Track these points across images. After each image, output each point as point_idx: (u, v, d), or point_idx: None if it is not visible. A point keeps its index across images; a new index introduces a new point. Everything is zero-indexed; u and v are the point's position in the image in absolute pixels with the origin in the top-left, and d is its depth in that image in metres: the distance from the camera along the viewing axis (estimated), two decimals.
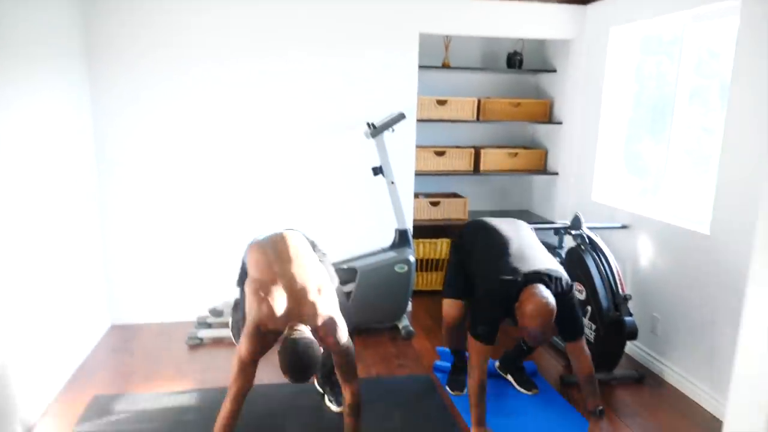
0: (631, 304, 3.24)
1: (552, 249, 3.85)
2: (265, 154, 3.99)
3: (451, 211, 4.68)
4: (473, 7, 4.10)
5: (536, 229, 4.12)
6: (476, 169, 4.72)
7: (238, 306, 2.70)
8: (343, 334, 2.37)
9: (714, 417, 2.97)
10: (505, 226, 2.94)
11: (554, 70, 4.71)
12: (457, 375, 3.18)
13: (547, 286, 2.55)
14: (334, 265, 3.86)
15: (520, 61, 4.77)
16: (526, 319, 2.47)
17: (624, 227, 3.71)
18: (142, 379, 3.24)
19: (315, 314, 2.29)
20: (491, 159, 4.72)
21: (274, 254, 2.43)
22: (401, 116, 3.72)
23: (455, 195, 4.90)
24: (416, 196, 4.57)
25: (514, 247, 2.74)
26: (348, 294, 3.74)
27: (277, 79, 3.90)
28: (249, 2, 3.78)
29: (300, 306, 2.29)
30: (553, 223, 4.29)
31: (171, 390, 3.10)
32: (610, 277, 3.25)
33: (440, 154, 4.63)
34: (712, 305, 3.03)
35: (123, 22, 3.65)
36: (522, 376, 3.24)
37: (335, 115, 4.02)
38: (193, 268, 4.04)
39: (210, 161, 3.94)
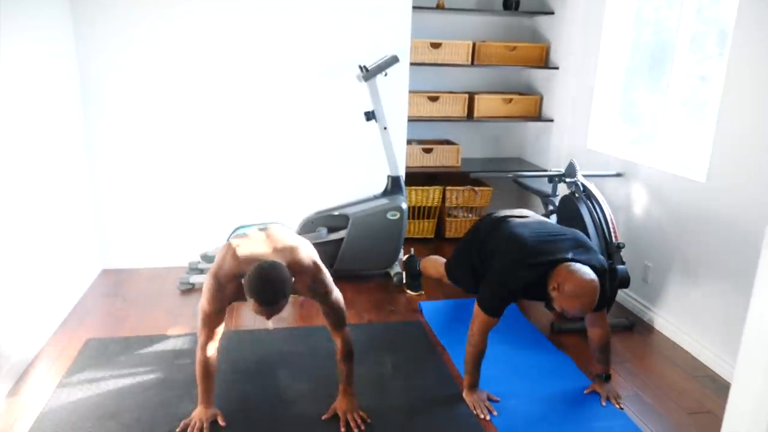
0: (623, 253, 3.25)
1: (546, 197, 3.85)
2: (256, 97, 3.90)
3: (443, 158, 4.63)
4: None
5: (530, 177, 4.14)
6: (470, 115, 4.65)
7: None
8: (330, 282, 2.34)
9: (703, 365, 3.02)
10: (524, 217, 2.86)
11: (552, 12, 4.59)
12: (414, 279, 3.68)
13: None
14: (326, 211, 3.87)
15: (517, 2, 4.64)
16: (567, 300, 2.31)
17: (618, 175, 3.69)
18: (134, 323, 3.25)
19: (292, 255, 2.22)
20: (485, 105, 4.64)
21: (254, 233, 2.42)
22: (394, 59, 3.62)
23: (448, 142, 4.85)
24: (409, 142, 4.51)
25: (537, 231, 2.62)
26: (340, 241, 3.74)
27: (267, 21, 3.77)
28: None
29: (275, 252, 2.21)
30: (547, 170, 4.27)
31: (163, 334, 3.10)
32: (604, 226, 3.24)
33: (434, 99, 4.55)
34: (705, 253, 3.05)
35: None
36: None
37: (326, 58, 3.91)
38: (185, 212, 4.00)
39: (201, 104, 3.84)
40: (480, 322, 2.53)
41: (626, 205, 3.65)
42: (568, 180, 3.51)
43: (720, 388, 2.79)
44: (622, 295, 3.65)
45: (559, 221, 3.51)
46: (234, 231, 2.88)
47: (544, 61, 4.68)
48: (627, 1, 3.83)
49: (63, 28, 3.43)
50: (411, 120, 4.31)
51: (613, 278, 3.14)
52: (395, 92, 4.00)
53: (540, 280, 2.43)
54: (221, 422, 2.35)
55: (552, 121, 4.64)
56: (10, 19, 2.75)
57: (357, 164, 4.11)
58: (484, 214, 3.09)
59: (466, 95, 4.63)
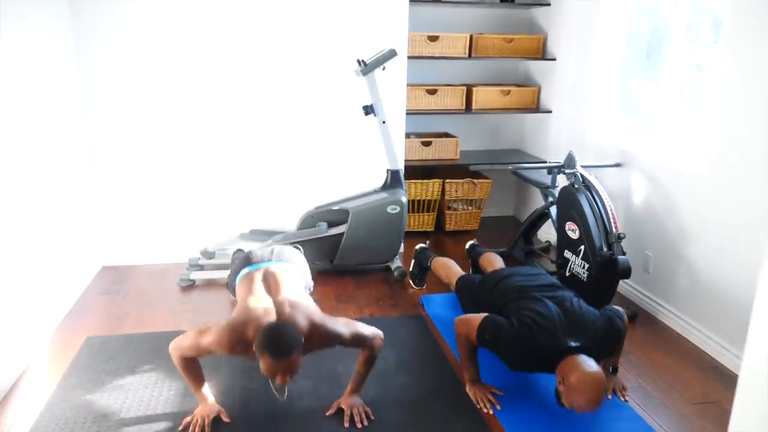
0: (624, 243, 3.24)
1: (545, 188, 3.84)
2: (255, 92, 3.87)
3: (442, 151, 4.62)
4: None
5: (529, 168, 4.13)
6: (468, 107, 4.63)
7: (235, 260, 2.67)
8: (334, 325, 2.28)
9: (706, 354, 3.02)
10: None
11: (548, 4, 4.57)
12: (421, 273, 3.66)
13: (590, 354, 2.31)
14: (326, 206, 3.85)
15: None
16: (572, 395, 2.20)
17: (618, 165, 3.68)
18: (135, 320, 3.23)
19: (298, 318, 2.22)
20: (483, 97, 4.62)
21: (262, 282, 2.45)
22: (392, 53, 3.60)
23: (446, 135, 4.83)
24: (407, 136, 4.49)
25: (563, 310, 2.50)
26: (340, 235, 3.72)
27: (265, 16, 3.74)
28: None
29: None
30: (545, 162, 4.26)
31: (164, 331, 3.09)
32: (604, 216, 3.23)
33: (432, 92, 4.53)
34: (706, 243, 3.04)
35: None
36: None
37: (324, 53, 3.89)
38: (185, 208, 3.98)
39: (199, 100, 3.82)
40: (468, 332, 2.51)
41: (626, 195, 3.64)
42: (567, 171, 3.50)
43: (724, 378, 2.79)
44: (623, 285, 3.64)
45: (558, 212, 3.50)
46: (240, 265, 2.77)
47: (541, 52, 4.66)
48: None
49: (62, 24, 3.40)
50: (409, 113, 4.30)
51: (613, 269, 3.14)
52: (393, 86, 3.98)
53: (547, 364, 2.36)
54: (224, 419, 2.34)
55: (550, 112, 4.63)
56: (8, 15, 2.72)
57: (356, 158, 4.10)
58: (500, 275, 2.91)
59: (464, 88, 4.61)
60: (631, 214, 3.60)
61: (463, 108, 4.62)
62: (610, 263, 3.13)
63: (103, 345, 2.94)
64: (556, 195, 3.63)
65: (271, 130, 3.96)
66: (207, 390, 2.39)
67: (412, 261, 3.71)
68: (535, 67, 4.85)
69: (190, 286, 3.68)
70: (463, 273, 3.30)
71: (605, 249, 3.16)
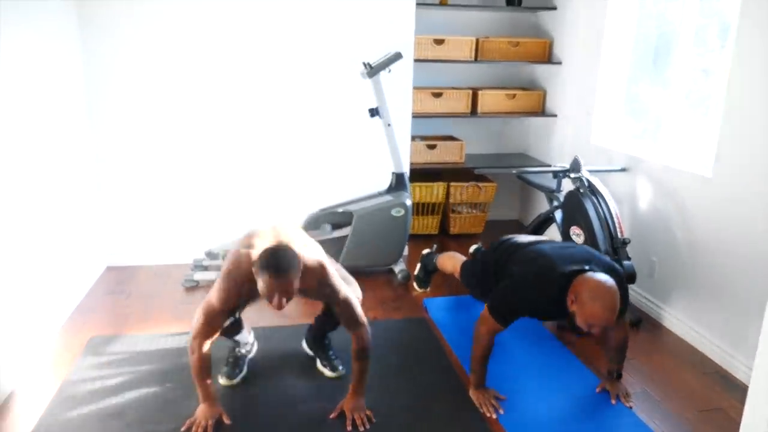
0: (629, 248, 3.23)
1: (550, 192, 3.83)
2: (260, 94, 3.88)
3: (447, 154, 4.61)
4: None
5: (535, 173, 4.12)
6: (473, 110, 4.63)
7: None
8: (338, 283, 2.35)
9: (711, 360, 3.00)
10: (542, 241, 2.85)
11: (554, 8, 4.56)
12: (426, 275, 3.62)
13: None
14: (330, 208, 3.85)
15: None
16: (588, 309, 2.20)
17: (623, 170, 3.67)
18: (139, 321, 3.23)
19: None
20: (489, 101, 4.62)
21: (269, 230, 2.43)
22: (398, 56, 3.60)
23: (451, 138, 4.82)
24: (412, 138, 4.48)
25: (555, 247, 2.62)
26: (344, 238, 3.72)
27: (270, 18, 3.75)
28: None
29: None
30: (551, 166, 4.25)
31: (168, 332, 3.09)
32: (609, 221, 3.22)
33: (437, 95, 4.53)
34: (712, 249, 3.03)
35: None
36: (326, 354, 2.77)
37: (330, 55, 3.89)
38: (189, 209, 3.98)
39: (205, 101, 3.83)
40: (489, 328, 2.49)
41: (632, 200, 3.63)
42: (572, 175, 3.49)
43: (729, 385, 2.77)
44: (629, 290, 3.62)
45: (563, 216, 3.50)
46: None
47: (547, 56, 4.65)
48: None
49: (68, 26, 3.41)
50: (415, 116, 4.29)
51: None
52: (399, 88, 3.98)
53: (559, 295, 2.37)
54: (226, 420, 2.34)
55: (555, 116, 4.62)
56: (15, 16, 2.73)
57: (361, 161, 4.09)
58: (503, 238, 2.95)
59: (470, 91, 4.61)
60: (637, 219, 3.59)
61: (469, 111, 4.62)
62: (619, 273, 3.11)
63: (107, 345, 2.94)
64: (561, 199, 3.62)
65: (276, 132, 3.97)
66: (213, 392, 2.39)
67: (418, 265, 3.70)
68: (541, 70, 4.84)
69: (194, 286, 3.68)
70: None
71: (611, 254, 3.14)
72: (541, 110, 4.77)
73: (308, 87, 3.92)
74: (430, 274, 3.63)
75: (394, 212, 3.76)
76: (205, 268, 3.85)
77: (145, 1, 3.60)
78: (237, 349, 2.72)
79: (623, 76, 3.96)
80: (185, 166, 3.91)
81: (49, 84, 3.16)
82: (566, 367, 2.88)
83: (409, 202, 3.80)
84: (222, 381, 2.62)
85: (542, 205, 4.41)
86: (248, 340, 2.79)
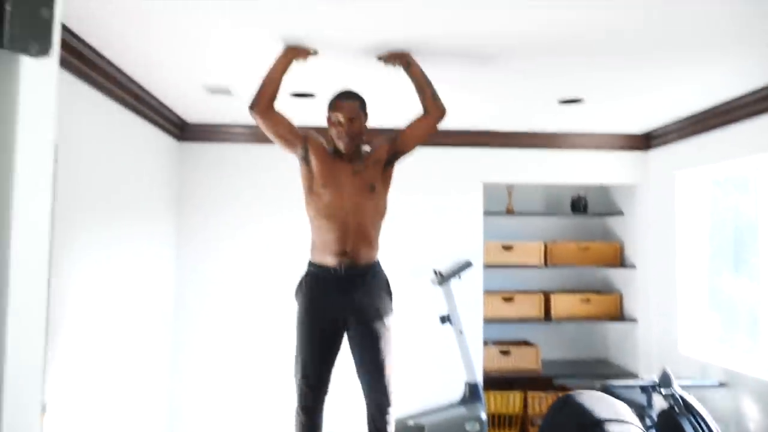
0: None
1: (641, 408, 3.50)
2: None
3: (522, 360, 4.40)
4: (535, 157, 4.13)
5: (621, 387, 3.82)
6: (547, 315, 4.50)
7: None
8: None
9: None
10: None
11: (621, 213, 4.59)
12: None
13: None
14: (400, 420, 3.63)
15: (585, 205, 4.69)
16: None
17: (722, 385, 3.36)
18: None
19: None
20: (562, 305, 4.50)
21: None
22: (468, 264, 3.61)
23: (526, 343, 4.64)
24: (485, 343, 4.34)
25: None
26: None
27: None
28: None
29: None
30: (636, 375, 3.96)
31: None
32: None
33: (508, 299, 4.45)
34: None
35: (210, 174, 3.89)
36: None
37: (401, 263, 3.95)
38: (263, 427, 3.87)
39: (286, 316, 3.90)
40: None
41: (737, 420, 3.26)
42: (663, 391, 3.20)
43: None
44: None
45: None
46: None
47: (619, 259, 4.59)
48: (697, 197, 3.79)
49: (167, 236, 3.69)
50: (486, 321, 4.19)
51: None
52: (470, 293, 3.95)
53: None
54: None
55: (635, 321, 4.41)
56: (133, 229, 2.99)
57: (432, 369, 3.96)
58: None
59: (542, 294, 4.52)
60: None
61: (542, 316, 4.49)
62: None
63: None
64: (654, 418, 3.30)
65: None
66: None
67: None
68: (614, 274, 4.74)
69: None
70: None
71: None
72: (619, 315, 4.58)
73: None
74: None
75: (468, 426, 3.51)
76: None
77: (238, 212, 3.88)
78: None
79: (703, 272, 3.80)
80: (262, 385, 3.92)
81: (143, 286, 3.34)
82: None
83: (484, 416, 3.54)
84: None
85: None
86: None
